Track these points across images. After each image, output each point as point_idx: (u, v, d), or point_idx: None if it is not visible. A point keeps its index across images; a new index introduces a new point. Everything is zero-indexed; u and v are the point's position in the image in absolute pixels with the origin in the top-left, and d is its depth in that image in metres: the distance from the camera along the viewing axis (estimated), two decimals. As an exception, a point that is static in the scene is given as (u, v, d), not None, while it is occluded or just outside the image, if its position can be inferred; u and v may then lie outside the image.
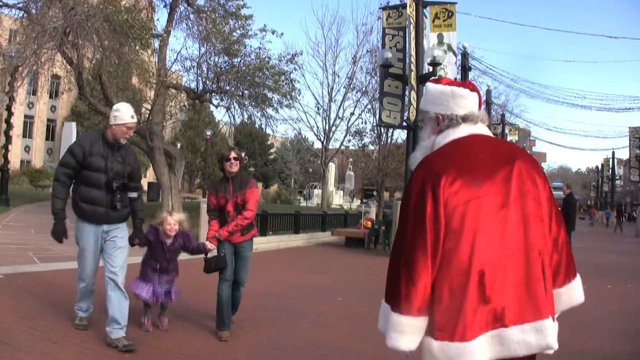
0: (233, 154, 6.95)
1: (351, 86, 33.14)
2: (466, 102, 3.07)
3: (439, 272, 2.74)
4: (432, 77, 3.70)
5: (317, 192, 51.21)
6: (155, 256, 7.01)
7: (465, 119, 3.04)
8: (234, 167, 6.90)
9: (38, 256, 11.92)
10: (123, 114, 6.15)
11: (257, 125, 30.38)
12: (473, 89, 3.14)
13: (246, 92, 20.71)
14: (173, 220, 7.06)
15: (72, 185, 6.23)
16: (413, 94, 14.16)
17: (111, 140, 6.16)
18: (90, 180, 6.06)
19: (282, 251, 17.41)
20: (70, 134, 39.05)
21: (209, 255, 6.95)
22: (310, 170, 70.18)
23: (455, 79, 17.26)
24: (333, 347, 6.31)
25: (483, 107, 3.26)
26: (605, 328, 8.38)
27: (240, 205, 6.87)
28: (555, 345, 2.79)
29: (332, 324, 5.90)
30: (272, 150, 73.71)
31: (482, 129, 3.08)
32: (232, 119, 22.51)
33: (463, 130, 3.03)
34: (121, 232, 6.31)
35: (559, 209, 3.09)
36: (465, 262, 2.71)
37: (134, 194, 6.44)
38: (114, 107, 6.36)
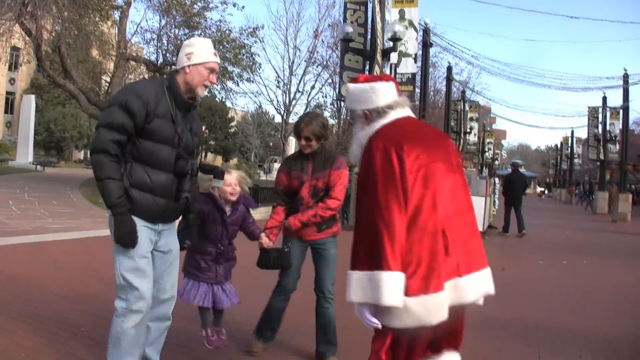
0: (306, 133, 5.07)
1: (312, 60, 33.17)
2: (386, 92, 3.32)
3: (408, 230, 2.95)
4: (350, 78, 3.77)
5: (277, 166, 51.01)
6: (211, 236, 5.03)
7: (390, 107, 3.29)
8: (308, 150, 5.12)
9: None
10: (201, 49, 4.03)
11: (217, 99, 30.20)
12: (389, 79, 3.41)
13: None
14: (234, 179, 5.02)
15: None
16: (377, 69, 14.15)
17: (183, 94, 4.02)
18: (152, 156, 3.93)
19: None
20: (29, 107, 38.40)
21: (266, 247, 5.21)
22: (271, 144, 69.99)
23: (415, 54, 17.36)
24: (288, 320, 6.30)
25: (404, 94, 3.49)
26: (559, 303, 8.53)
27: (320, 190, 5.09)
28: (493, 290, 3.24)
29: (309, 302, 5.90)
30: (232, 124, 73.16)
31: (408, 112, 3.38)
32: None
33: (392, 116, 3.29)
34: (174, 235, 4.32)
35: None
36: (431, 219, 2.99)
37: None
38: (185, 42, 4.19)
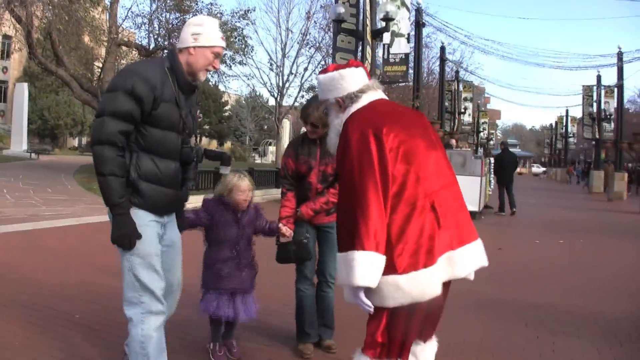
0: (313, 119, 4.85)
1: (305, 42, 33.06)
2: (356, 78, 3.32)
3: (393, 208, 2.93)
4: (321, 70, 3.73)
5: (272, 149, 51.17)
6: (226, 240, 4.70)
7: (362, 91, 3.29)
8: (314, 135, 4.95)
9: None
10: (209, 31, 3.67)
11: (210, 83, 30.10)
12: (358, 65, 3.41)
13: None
14: (247, 186, 4.75)
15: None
16: (367, 50, 14.06)
17: (186, 76, 3.69)
18: (160, 145, 3.62)
19: None
20: (21, 95, 38.09)
21: (283, 239, 5.01)
22: (265, 127, 69.93)
23: (408, 35, 17.27)
24: (288, 304, 6.26)
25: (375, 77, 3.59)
26: (556, 283, 8.51)
27: (329, 176, 4.94)
28: (487, 263, 3.20)
29: (287, 283, 5.81)
30: (226, 108, 73.10)
31: (381, 94, 3.38)
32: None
33: (365, 100, 3.28)
34: (175, 226, 4.01)
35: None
36: (417, 193, 2.97)
37: (226, 170, 4.44)
38: (192, 21, 3.82)
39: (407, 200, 2.95)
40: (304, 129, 5.12)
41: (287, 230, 4.89)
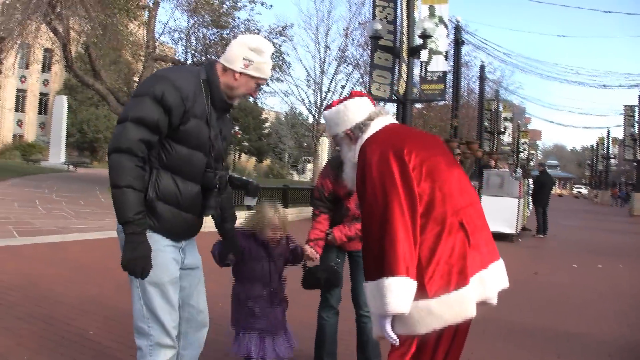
0: None
1: (343, 59, 33.05)
2: (361, 107, 3.28)
3: (422, 228, 2.80)
4: (326, 106, 3.53)
5: (311, 166, 51.00)
6: (258, 275, 4.33)
7: (370, 119, 3.22)
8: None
9: (18, 230, 11.50)
10: (263, 64, 3.38)
11: (250, 100, 30.21)
12: (361, 95, 3.38)
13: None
14: (281, 222, 4.37)
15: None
16: (404, 67, 13.84)
17: (222, 93, 3.36)
18: (185, 165, 3.29)
19: None
20: (61, 108, 38.71)
21: (309, 264, 4.65)
22: (305, 144, 69.97)
23: (446, 52, 17.00)
24: (307, 326, 6.03)
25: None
26: (593, 310, 8.13)
27: None
28: (508, 284, 3.08)
29: (307, 300, 5.59)
30: (266, 125, 73.44)
31: (391, 118, 3.31)
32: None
33: (376, 126, 3.19)
34: (196, 249, 3.68)
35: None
36: (446, 211, 2.85)
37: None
38: (248, 42, 3.40)
39: (435, 219, 2.83)
40: None
41: (313, 252, 4.52)
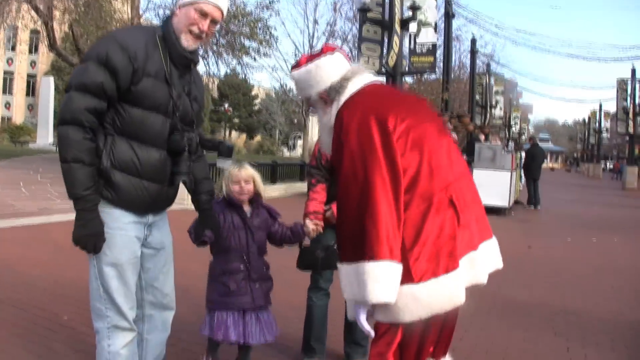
0: None
1: (332, 33, 32.65)
2: (335, 65, 2.89)
3: (406, 205, 2.49)
4: (293, 65, 3.21)
5: (301, 142, 50.65)
6: (234, 246, 3.94)
7: (346, 79, 2.85)
8: None
9: (-2, 212, 11.19)
10: None
11: (240, 77, 29.89)
12: (332, 50, 2.96)
13: (222, 40, 20.09)
14: (243, 176, 3.97)
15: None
16: (395, 39, 13.53)
17: (179, 46, 3.05)
18: (141, 128, 2.99)
19: None
20: (48, 89, 38.32)
21: (305, 242, 4.27)
22: (295, 121, 69.35)
23: (435, 24, 16.69)
24: (296, 307, 5.78)
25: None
26: (589, 286, 7.92)
27: None
28: (502, 265, 2.82)
29: (296, 280, 5.34)
30: (256, 102, 73.32)
31: (372, 76, 2.94)
32: (207, 68, 21.71)
33: (354, 86, 2.84)
34: (167, 226, 3.40)
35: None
36: (433, 186, 2.54)
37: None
38: None
39: (421, 195, 2.51)
40: None
41: (313, 226, 4.08)
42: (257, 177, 4.09)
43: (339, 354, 4.67)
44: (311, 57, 2.94)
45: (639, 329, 5.86)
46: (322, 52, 2.94)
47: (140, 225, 3.13)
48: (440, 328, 2.72)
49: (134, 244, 3.10)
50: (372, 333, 2.57)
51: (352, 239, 2.50)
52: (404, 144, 2.53)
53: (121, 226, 3.02)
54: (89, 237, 2.89)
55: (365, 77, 2.88)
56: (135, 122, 2.97)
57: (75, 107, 2.82)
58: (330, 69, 2.86)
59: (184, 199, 3.55)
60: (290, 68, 3.10)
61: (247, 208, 4.03)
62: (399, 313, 2.48)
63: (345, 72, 2.86)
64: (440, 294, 2.48)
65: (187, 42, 3.06)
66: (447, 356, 2.90)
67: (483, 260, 2.70)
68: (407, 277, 2.44)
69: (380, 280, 2.39)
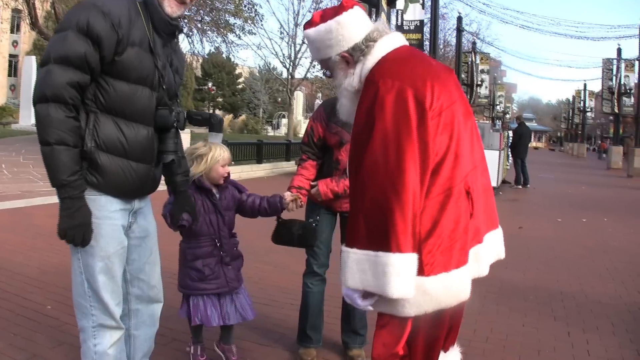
0: None
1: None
2: (358, 23, 2.56)
3: (425, 195, 2.30)
4: (305, 23, 2.97)
5: (285, 121, 50.39)
6: (204, 230, 3.80)
7: (372, 39, 2.53)
8: None
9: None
10: None
11: (224, 55, 29.61)
12: (352, 4, 2.60)
13: (207, 17, 19.77)
14: (229, 157, 3.88)
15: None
16: (383, 17, 13.33)
17: (163, 12, 2.80)
18: (127, 103, 2.73)
19: (243, 182, 16.19)
20: (30, 69, 37.56)
21: (283, 217, 4.10)
22: (279, 99, 69.11)
23: (423, 0, 16.45)
24: (281, 288, 5.61)
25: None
26: (584, 267, 7.80)
27: None
28: (504, 255, 2.72)
29: (284, 262, 5.19)
30: (240, 80, 73.18)
31: (400, 38, 2.61)
32: (191, 46, 21.40)
33: (382, 49, 2.52)
34: (150, 212, 3.15)
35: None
36: (454, 176, 2.35)
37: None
38: None
39: (442, 184, 2.33)
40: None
41: (297, 199, 3.90)
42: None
43: (336, 342, 4.49)
44: (327, 14, 2.61)
45: (638, 313, 5.72)
46: (342, 7, 2.58)
47: (126, 213, 2.90)
48: (449, 322, 2.58)
49: (121, 233, 2.86)
50: (371, 307, 2.38)
51: (373, 224, 2.27)
52: (437, 126, 2.32)
53: (108, 215, 2.77)
54: (77, 228, 2.61)
55: (393, 39, 2.57)
56: (120, 97, 2.71)
57: (57, 82, 2.53)
58: (354, 27, 2.54)
59: (165, 180, 3.30)
60: (303, 27, 2.79)
61: (214, 190, 3.86)
62: (405, 306, 2.31)
63: (370, 31, 2.55)
64: (449, 289, 2.33)
65: (170, 8, 2.82)
66: (455, 346, 2.78)
67: (487, 253, 2.58)
68: (418, 270, 2.27)
69: (401, 274, 2.21)
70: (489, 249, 2.59)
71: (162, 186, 3.14)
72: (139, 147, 2.80)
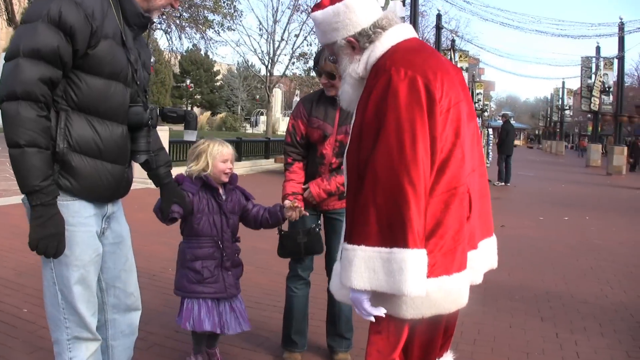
0: (327, 67, 3.80)
1: (296, 7, 32.25)
2: (367, 8, 2.43)
3: (431, 191, 2.20)
4: (314, 6, 2.88)
5: (264, 118, 50.22)
6: (207, 230, 3.69)
7: (381, 26, 2.41)
8: (332, 91, 3.86)
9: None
10: None
11: (202, 52, 29.47)
12: None
13: (185, 14, 19.61)
14: (231, 154, 3.80)
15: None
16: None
17: (135, 4, 2.66)
18: (101, 100, 2.57)
19: None
20: (6, 64, 37.23)
21: (285, 227, 4.03)
22: (257, 97, 69.02)
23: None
24: (264, 289, 5.51)
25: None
26: (568, 266, 7.77)
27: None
28: (496, 264, 2.63)
29: (268, 263, 5.08)
30: (218, 78, 73.09)
31: (410, 30, 2.49)
32: (170, 42, 21.24)
33: (391, 38, 2.40)
34: (123, 217, 2.96)
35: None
36: (460, 176, 2.27)
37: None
38: None
39: (447, 182, 2.23)
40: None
41: (297, 207, 3.75)
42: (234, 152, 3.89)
43: (321, 346, 4.40)
44: None
45: (625, 312, 5.68)
46: None
47: (99, 218, 2.73)
48: (445, 328, 2.50)
49: (97, 240, 2.69)
50: (383, 314, 2.25)
51: (386, 218, 2.14)
52: (445, 122, 2.22)
53: (82, 221, 2.60)
54: (50, 238, 2.43)
55: (404, 29, 2.45)
56: (94, 93, 2.53)
57: (27, 77, 2.33)
58: (362, 12, 2.41)
59: (147, 178, 3.18)
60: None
61: (221, 190, 3.76)
62: (402, 307, 2.21)
63: (379, 18, 2.42)
64: (450, 293, 2.24)
65: (157, 14, 2.74)
66: (449, 352, 2.68)
67: (481, 260, 2.48)
68: None
69: (418, 271, 2.11)
70: (483, 257, 2.50)
71: (141, 184, 3.01)
72: (114, 147, 2.64)
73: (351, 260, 2.18)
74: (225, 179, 3.73)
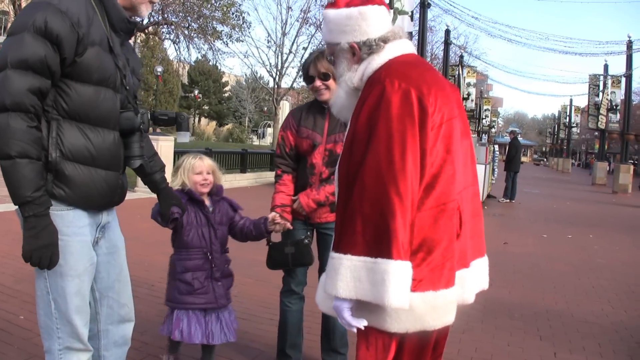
0: (321, 68, 3.79)
1: (305, 20, 32.34)
2: (380, 20, 2.45)
3: (419, 204, 2.20)
4: (329, 2, 2.85)
5: (271, 130, 50.28)
6: (195, 242, 3.74)
7: (385, 40, 2.43)
8: (325, 95, 3.84)
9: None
10: None
11: (210, 63, 29.61)
12: (381, 2, 2.49)
13: (194, 24, 19.70)
14: (205, 166, 3.82)
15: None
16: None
17: (120, 9, 2.67)
18: (91, 107, 2.56)
19: (227, 192, 16.11)
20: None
21: (273, 239, 4.04)
22: (265, 108, 69.21)
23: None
24: (261, 302, 5.49)
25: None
26: (570, 284, 7.72)
27: (339, 157, 3.09)
28: (487, 285, 2.60)
29: (266, 276, 5.05)
30: (226, 89, 73.43)
31: (410, 46, 2.51)
32: (178, 52, 21.32)
33: (390, 53, 2.42)
34: (118, 227, 2.96)
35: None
36: (451, 192, 2.26)
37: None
38: None
39: (436, 197, 2.22)
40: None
41: (282, 220, 3.80)
42: (217, 167, 3.93)
43: (316, 360, 4.36)
44: (354, 1, 2.46)
45: (625, 332, 5.64)
46: (371, 0, 2.46)
47: (94, 227, 2.73)
48: (434, 346, 2.45)
49: (91, 249, 2.70)
50: (363, 325, 2.21)
51: (372, 228, 2.13)
52: (436, 137, 2.22)
53: (77, 231, 2.60)
54: (43, 249, 2.42)
55: (403, 44, 2.46)
56: (84, 101, 2.53)
57: (16, 88, 2.34)
58: (374, 23, 2.43)
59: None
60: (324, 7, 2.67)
61: (207, 202, 3.81)
62: (387, 319, 2.20)
63: (387, 32, 2.44)
64: (435, 309, 2.22)
65: (145, 11, 2.74)
66: None
67: (473, 280, 2.47)
68: None
69: (401, 283, 2.09)
70: (475, 276, 2.49)
71: (146, 193, 3.02)
72: (107, 154, 2.64)
73: (337, 268, 2.17)
74: (203, 189, 3.78)
